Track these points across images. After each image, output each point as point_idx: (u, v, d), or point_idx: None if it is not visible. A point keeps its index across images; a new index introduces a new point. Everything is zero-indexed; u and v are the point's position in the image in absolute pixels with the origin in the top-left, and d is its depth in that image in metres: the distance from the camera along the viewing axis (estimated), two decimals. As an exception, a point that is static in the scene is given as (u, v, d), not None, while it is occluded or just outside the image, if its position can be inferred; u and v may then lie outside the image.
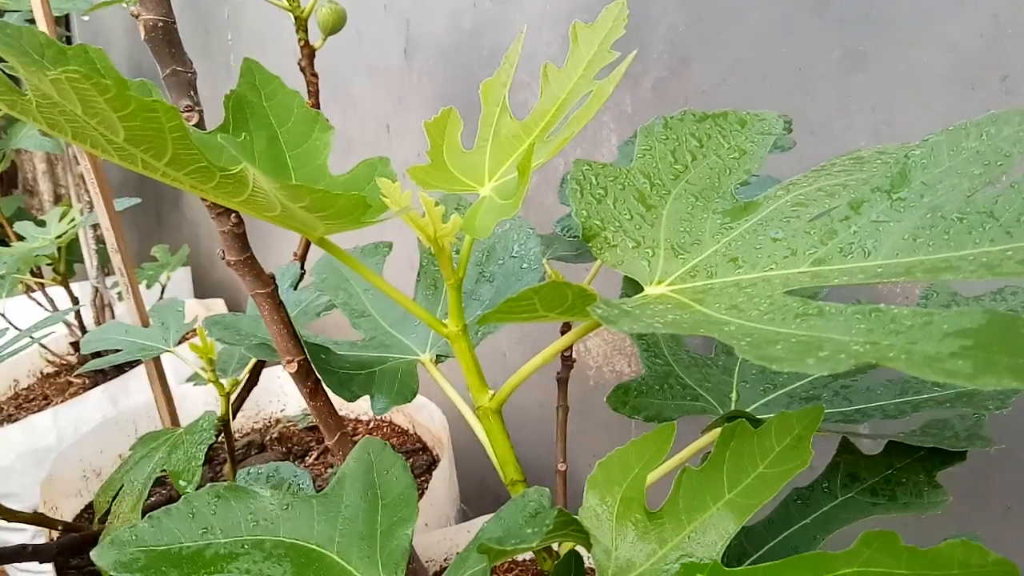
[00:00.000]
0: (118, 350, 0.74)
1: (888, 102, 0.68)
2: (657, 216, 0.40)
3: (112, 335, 0.74)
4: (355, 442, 1.13)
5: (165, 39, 0.41)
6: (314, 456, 1.12)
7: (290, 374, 0.48)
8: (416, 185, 0.43)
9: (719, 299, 0.34)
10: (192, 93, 0.42)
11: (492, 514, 0.90)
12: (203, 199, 0.44)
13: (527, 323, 1.11)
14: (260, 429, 1.17)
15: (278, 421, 1.19)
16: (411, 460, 1.06)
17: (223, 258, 0.45)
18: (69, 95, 0.28)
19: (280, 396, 1.19)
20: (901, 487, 0.40)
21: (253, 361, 0.75)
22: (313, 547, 0.34)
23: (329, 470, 1.07)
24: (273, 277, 0.47)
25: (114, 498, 0.64)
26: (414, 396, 0.50)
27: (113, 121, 0.29)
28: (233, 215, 0.44)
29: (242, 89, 0.44)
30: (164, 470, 0.63)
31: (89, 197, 1.44)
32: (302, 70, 0.80)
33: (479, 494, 1.24)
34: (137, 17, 0.41)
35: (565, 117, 0.44)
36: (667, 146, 0.42)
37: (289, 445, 1.13)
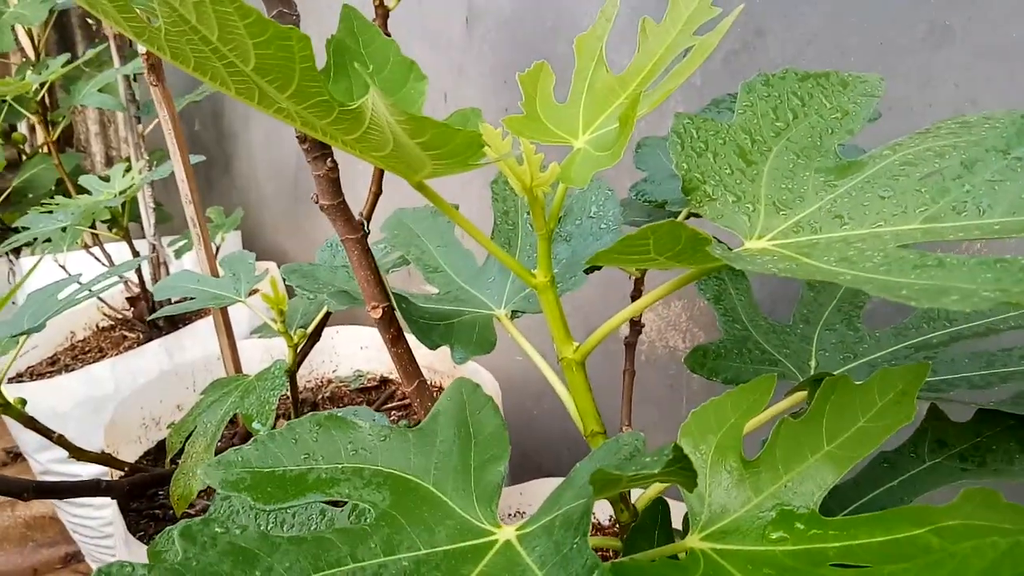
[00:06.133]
0: (189, 298, 0.75)
1: (973, 79, 0.67)
2: (758, 172, 0.40)
3: (184, 283, 0.76)
4: (403, 406, 1.13)
5: (273, -20, 0.42)
6: (364, 417, 1.13)
7: (374, 320, 0.49)
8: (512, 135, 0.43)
9: (827, 253, 0.33)
10: (297, 35, 0.43)
11: (544, 479, 0.90)
12: (301, 142, 0.45)
13: (583, 295, 1.11)
14: (312, 388, 1.19)
15: (330, 382, 1.20)
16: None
17: (316, 202, 0.46)
18: (209, 19, 0.28)
19: (332, 357, 1.21)
20: (991, 454, 0.39)
21: (320, 316, 0.76)
22: (410, 477, 0.35)
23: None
24: (363, 223, 0.48)
25: (187, 439, 0.66)
26: (492, 348, 0.51)
27: (247, 48, 0.30)
28: (329, 159, 0.45)
29: (341, 35, 0.45)
30: (237, 413, 0.64)
31: (147, 158, 1.47)
32: (376, 30, 0.80)
33: (519, 467, 1.26)
34: (246, -42, 0.42)
35: (662, 73, 0.44)
36: (768, 103, 0.42)
37: (340, 405, 1.15)
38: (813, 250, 0.34)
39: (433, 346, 0.49)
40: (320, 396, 1.18)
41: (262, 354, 1.14)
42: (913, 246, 0.32)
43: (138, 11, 0.30)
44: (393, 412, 1.16)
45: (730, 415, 0.35)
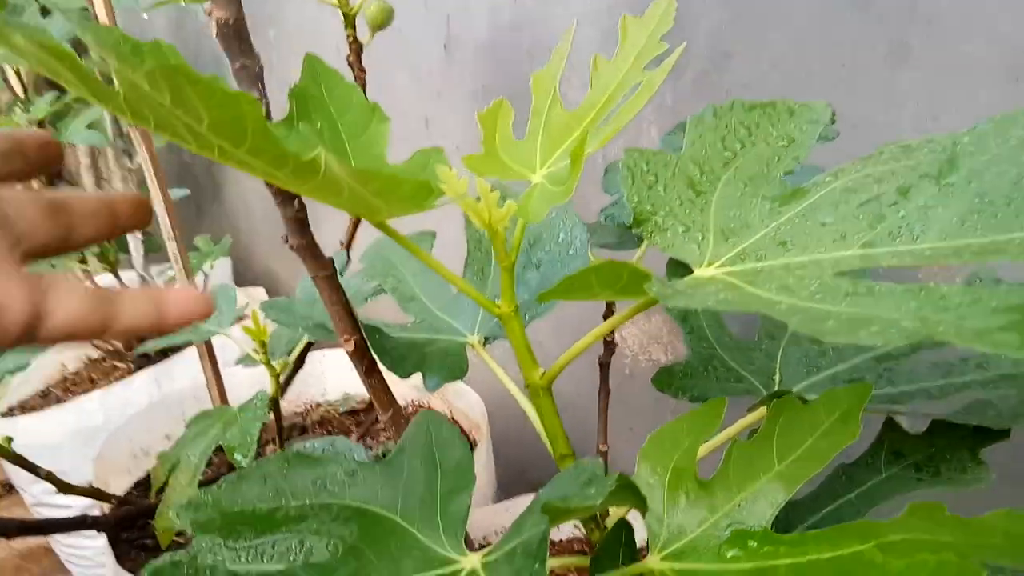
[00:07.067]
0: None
1: (933, 96, 0.69)
2: (707, 202, 0.41)
3: (168, 318, 0.77)
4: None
5: (235, 34, 0.43)
6: (354, 439, 1.14)
7: (347, 353, 0.50)
8: (470, 173, 0.44)
9: (769, 280, 0.35)
10: (260, 85, 0.44)
11: (531, 494, 0.91)
12: (268, 186, 0.46)
13: (567, 311, 1.12)
14: (301, 412, 1.20)
15: (318, 405, 1.21)
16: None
17: (286, 242, 0.47)
18: (160, 86, 0.30)
19: (321, 380, 1.22)
20: (945, 463, 0.41)
21: (301, 345, 0.77)
22: (377, 511, 0.36)
23: (369, 451, 1.10)
24: (332, 260, 0.49)
25: (171, 472, 0.67)
26: (464, 374, 0.52)
27: (199, 110, 0.31)
28: (297, 201, 0.46)
29: (304, 83, 0.46)
30: (219, 445, 0.65)
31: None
32: (350, 65, 0.82)
33: (515, 482, 1.26)
34: (209, 14, 0.44)
35: (615, 108, 0.46)
36: (717, 134, 0.43)
37: (329, 428, 1.16)
38: (757, 277, 0.36)
39: (405, 375, 0.50)
40: (309, 420, 1.19)
41: (251, 380, 1.15)
42: (850, 273, 0.34)
43: (95, 74, 0.32)
44: (382, 434, 1.17)
45: (684, 438, 0.36)
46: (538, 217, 0.41)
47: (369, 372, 0.51)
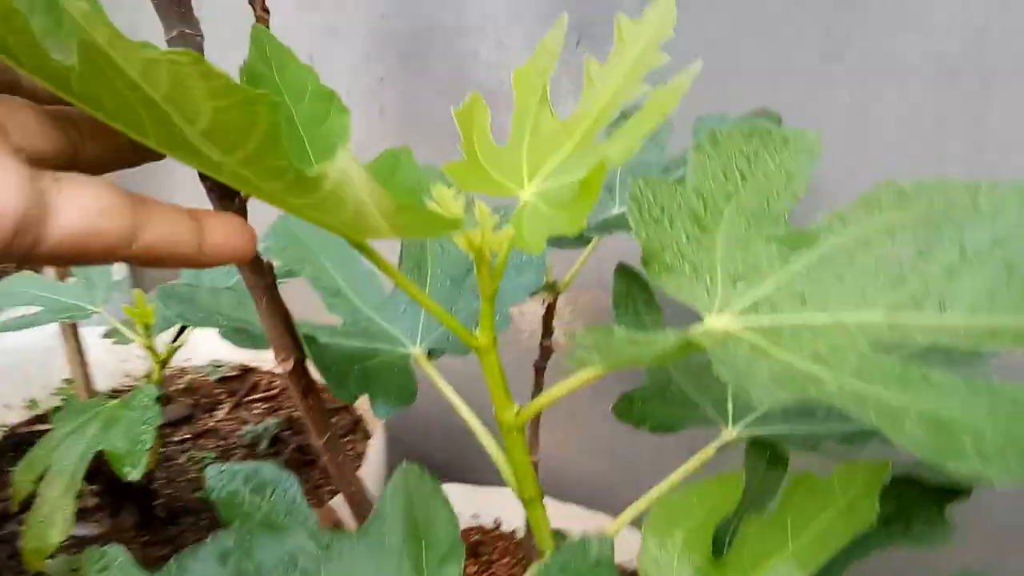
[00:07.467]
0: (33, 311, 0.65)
1: (864, 87, 0.69)
2: (712, 241, 0.38)
3: (27, 289, 0.65)
4: (270, 397, 1.06)
5: (173, -4, 0.35)
6: (226, 410, 1.06)
7: (285, 372, 0.44)
8: (455, 184, 0.39)
9: (795, 343, 0.33)
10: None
11: (452, 483, 0.87)
12: (203, 179, 0.38)
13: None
14: (165, 378, 1.09)
15: (184, 372, 1.11)
16: (334, 420, 1.03)
17: (221, 246, 0.40)
18: (158, 77, 0.23)
19: (189, 346, 1.10)
20: (914, 518, 0.41)
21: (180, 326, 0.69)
22: (358, 592, 0.32)
23: (245, 426, 1.02)
24: (272, 267, 0.42)
25: (38, 480, 0.58)
26: (413, 398, 0.47)
27: (199, 110, 0.24)
28: (237, 199, 0.39)
29: (253, 60, 0.38)
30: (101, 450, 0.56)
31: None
32: (251, 3, 0.71)
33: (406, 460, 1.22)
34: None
35: (609, 120, 0.41)
36: (718, 163, 0.40)
37: (200, 396, 1.06)
38: (780, 338, 0.34)
39: (352, 399, 0.45)
40: (173, 387, 1.09)
41: (109, 346, 1.02)
42: (890, 346, 0.32)
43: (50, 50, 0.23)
44: (257, 404, 1.09)
45: (697, 512, 0.34)
46: (537, 247, 0.36)
47: (307, 392, 0.45)
